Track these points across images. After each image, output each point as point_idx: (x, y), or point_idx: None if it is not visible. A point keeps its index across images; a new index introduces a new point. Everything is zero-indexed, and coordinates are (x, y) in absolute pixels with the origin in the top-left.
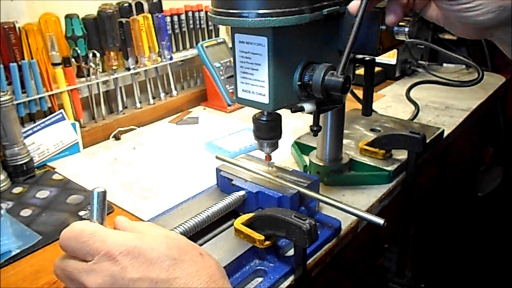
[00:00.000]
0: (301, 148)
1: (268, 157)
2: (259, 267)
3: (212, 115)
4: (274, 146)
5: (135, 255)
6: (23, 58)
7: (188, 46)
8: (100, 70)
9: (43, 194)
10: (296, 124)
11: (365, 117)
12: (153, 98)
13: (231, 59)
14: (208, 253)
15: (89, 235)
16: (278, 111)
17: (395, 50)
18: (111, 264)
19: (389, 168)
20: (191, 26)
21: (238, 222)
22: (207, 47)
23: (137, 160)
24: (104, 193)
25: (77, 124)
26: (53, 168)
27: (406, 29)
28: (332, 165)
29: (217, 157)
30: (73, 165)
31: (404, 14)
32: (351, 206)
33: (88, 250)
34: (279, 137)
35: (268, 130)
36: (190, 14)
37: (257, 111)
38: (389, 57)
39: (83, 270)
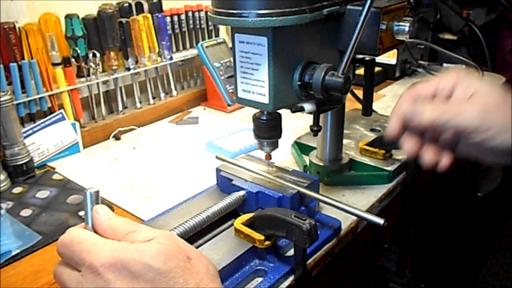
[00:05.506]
0: (301, 148)
1: (268, 156)
2: (259, 267)
3: (212, 115)
4: (274, 145)
5: (117, 268)
6: (23, 58)
7: (188, 46)
8: (100, 70)
9: (43, 194)
10: (296, 124)
11: (365, 117)
12: (153, 98)
13: (231, 59)
14: (198, 254)
15: (78, 244)
16: (278, 111)
17: (395, 50)
18: (95, 277)
19: (389, 168)
20: (191, 26)
21: (238, 222)
22: (207, 47)
23: (137, 160)
24: (97, 193)
25: (77, 124)
26: (53, 168)
27: (406, 29)
28: (332, 165)
29: (217, 157)
30: (73, 165)
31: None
32: (351, 206)
33: (77, 260)
34: (279, 136)
35: (268, 129)
36: (190, 14)
37: (257, 110)
38: (389, 57)
39: (74, 281)
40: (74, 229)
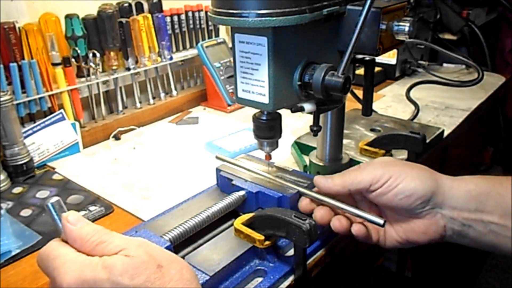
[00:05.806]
0: (301, 148)
1: (268, 156)
2: (259, 267)
3: (212, 115)
4: (274, 145)
5: None
6: (23, 58)
7: (188, 46)
8: (100, 70)
9: (43, 194)
10: (296, 124)
11: (365, 117)
12: (153, 98)
13: (231, 59)
14: (171, 259)
15: (52, 260)
16: (278, 111)
17: (395, 50)
18: None
19: None
20: (191, 26)
21: (238, 222)
22: (207, 47)
23: (137, 160)
24: (59, 201)
25: (77, 124)
26: (53, 168)
27: (406, 29)
28: (332, 165)
29: (217, 157)
30: (73, 165)
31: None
32: (351, 205)
33: (51, 277)
34: (279, 136)
35: (268, 129)
36: (190, 14)
37: (257, 110)
38: (389, 57)
39: None
40: (52, 242)
